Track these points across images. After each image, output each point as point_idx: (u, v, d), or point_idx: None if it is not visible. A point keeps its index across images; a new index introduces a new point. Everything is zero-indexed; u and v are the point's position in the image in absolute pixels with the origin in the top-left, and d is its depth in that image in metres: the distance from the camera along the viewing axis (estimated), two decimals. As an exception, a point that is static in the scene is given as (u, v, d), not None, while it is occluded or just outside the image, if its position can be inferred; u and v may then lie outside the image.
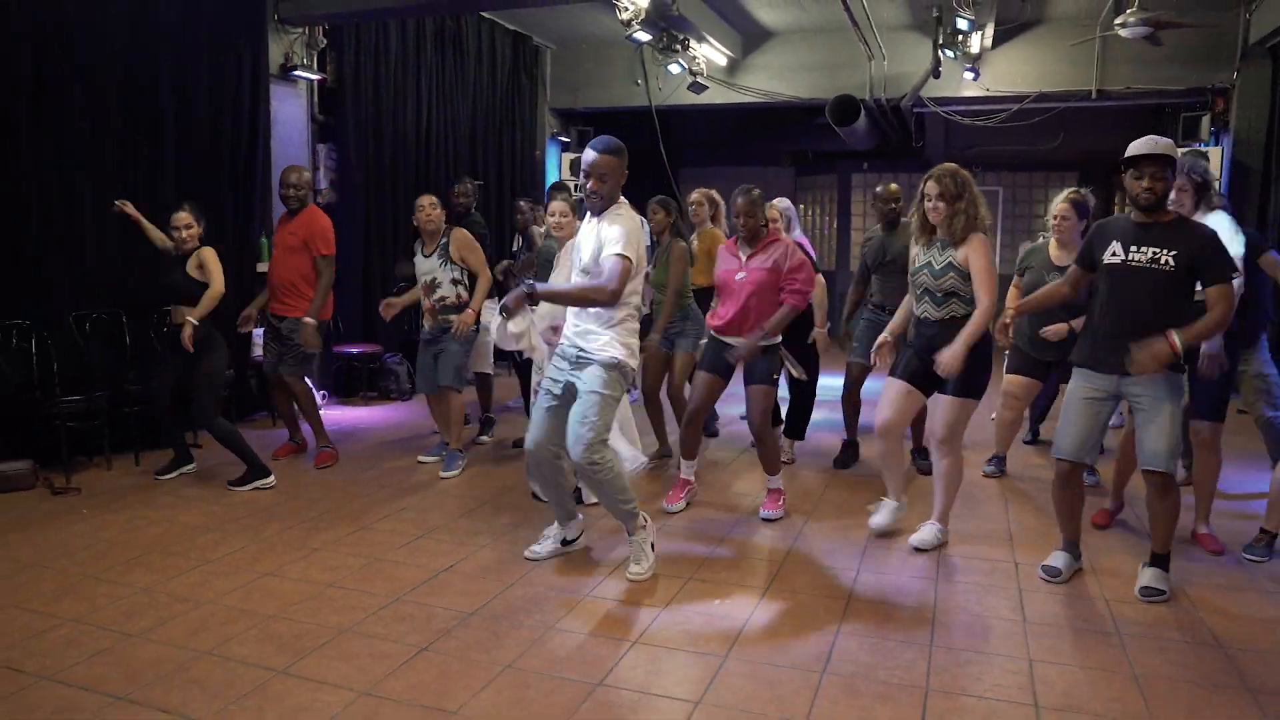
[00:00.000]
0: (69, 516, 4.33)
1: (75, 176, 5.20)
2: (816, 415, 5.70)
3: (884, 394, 4.03)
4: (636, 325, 3.65)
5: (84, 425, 5.03)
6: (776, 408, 4.69)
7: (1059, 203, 4.71)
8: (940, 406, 3.90)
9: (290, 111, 6.95)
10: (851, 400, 5.42)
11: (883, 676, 2.85)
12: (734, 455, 5.72)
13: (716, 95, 9.47)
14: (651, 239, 5.31)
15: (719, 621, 3.25)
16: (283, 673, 2.82)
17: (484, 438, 6.00)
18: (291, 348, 5.25)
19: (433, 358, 5.30)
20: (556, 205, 4.95)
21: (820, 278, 5.48)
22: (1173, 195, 3.45)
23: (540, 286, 3.52)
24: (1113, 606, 3.40)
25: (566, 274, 4.25)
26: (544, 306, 4.03)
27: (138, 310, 5.54)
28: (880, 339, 4.10)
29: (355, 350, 7.35)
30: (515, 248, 6.94)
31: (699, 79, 8.88)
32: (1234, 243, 3.72)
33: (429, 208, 5.25)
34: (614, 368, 3.52)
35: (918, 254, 3.95)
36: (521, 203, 6.87)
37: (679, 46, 8.28)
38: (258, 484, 4.81)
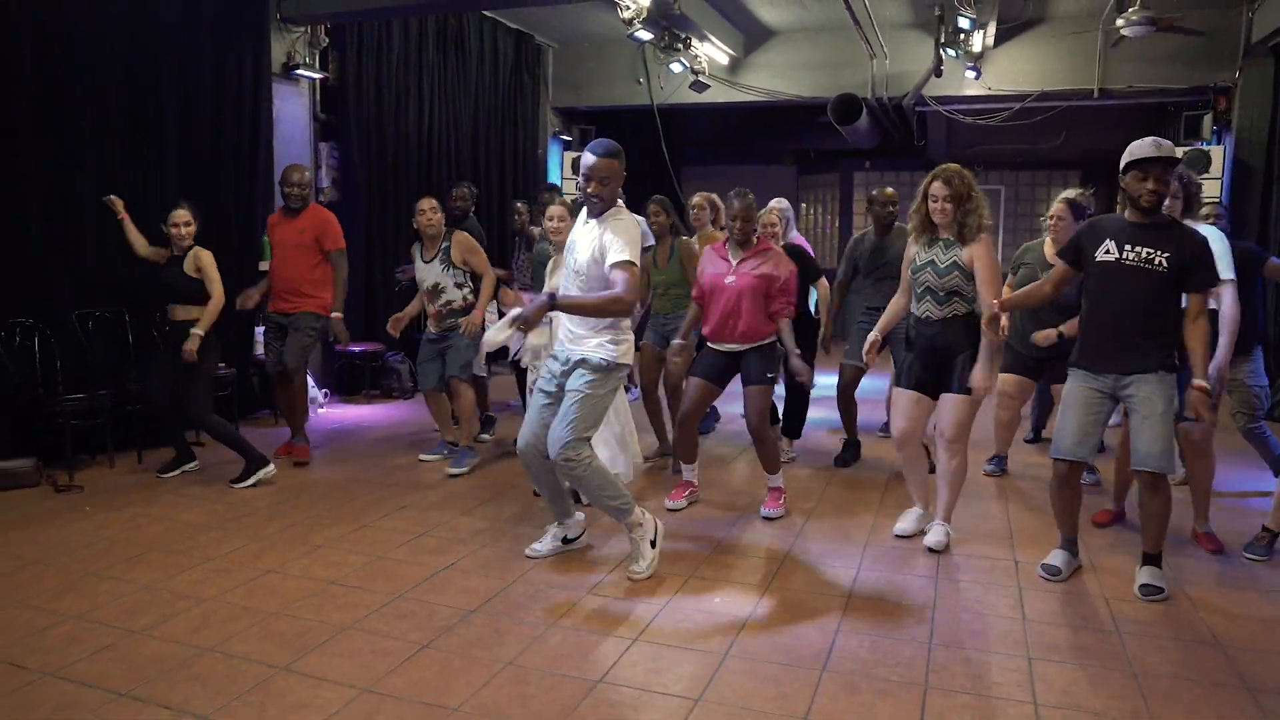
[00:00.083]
0: (71, 514, 4.34)
1: (76, 176, 5.21)
2: (813, 414, 5.70)
3: (894, 405, 4.14)
4: (629, 324, 3.65)
5: (87, 423, 5.05)
6: (773, 407, 4.68)
7: (1057, 203, 4.74)
8: (948, 406, 3.90)
9: (292, 110, 6.96)
10: (846, 401, 5.43)
11: (882, 674, 2.85)
12: (735, 453, 5.73)
13: (718, 94, 9.47)
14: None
15: (719, 619, 3.26)
16: (284, 669, 2.83)
17: (485, 436, 6.00)
18: (296, 338, 5.30)
19: (437, 355, 5.31)
20: (554, 209, 4.89)
21: (824, 280, 5.49)
22: (1166, 201, 3.46)
23: (560, 297, 3.50)
24: (1112, 605, 3.41)
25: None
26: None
27: (140, 309, 5.55)
28: (871, 338, 4.13)
29: (357, 349, 7.34)
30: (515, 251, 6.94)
31: (701, 78, 8.88)
32: (1223, 260, 3.72)
33: (430, 211, 5.26)
34: (605, 368, 3.52)
35: (918, 253, 3.94)
36: (519, 204, 6.87)
37: (681, 45, 8.29)
38: (259, 475, 4.83)
